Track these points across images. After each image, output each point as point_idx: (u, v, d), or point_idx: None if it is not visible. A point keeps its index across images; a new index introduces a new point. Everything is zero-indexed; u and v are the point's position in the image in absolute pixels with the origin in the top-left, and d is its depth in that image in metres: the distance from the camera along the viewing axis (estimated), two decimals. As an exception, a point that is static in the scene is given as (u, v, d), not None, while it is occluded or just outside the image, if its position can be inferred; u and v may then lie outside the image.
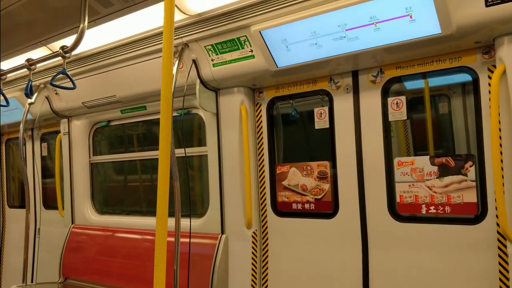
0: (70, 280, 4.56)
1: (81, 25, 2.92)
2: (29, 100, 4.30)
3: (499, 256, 2.54)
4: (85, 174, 4.79)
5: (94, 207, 4.79)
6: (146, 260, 3.96)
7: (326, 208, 3.22)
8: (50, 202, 5.31)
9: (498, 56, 2.44)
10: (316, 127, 3.28)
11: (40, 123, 5.22)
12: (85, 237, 4.61)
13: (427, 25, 2.42)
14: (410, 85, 3.02)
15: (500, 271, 2.54)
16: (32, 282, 5.03)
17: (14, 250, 5.65)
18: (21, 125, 4.43)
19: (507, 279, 2.50)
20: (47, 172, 5.44)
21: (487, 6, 2.23)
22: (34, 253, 5.22)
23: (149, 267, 3.88)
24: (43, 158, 5.46)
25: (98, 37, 3.59)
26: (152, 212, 4.48)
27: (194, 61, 3.33)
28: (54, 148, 5.11)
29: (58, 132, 4.99)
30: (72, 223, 4.79)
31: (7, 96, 4.35)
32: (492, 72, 2.55)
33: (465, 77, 2.77)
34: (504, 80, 2.39)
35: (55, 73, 3.31)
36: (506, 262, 2.50)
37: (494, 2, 2.21)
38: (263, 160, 3.52)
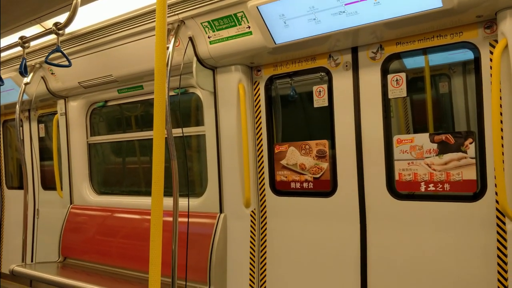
0: (69, 260, 4.59)
1: (74, 1, 2.86)
2: (25, 80, 4.26)
3: (498, 233, 2.54)
4: (83, 155, 4.78)
5: (92, 188, 4.79)
6: (145, 239, 3.96)
7: (325, 187, 3.21)
8: (48, 183, 5.31)
9: (500, 31, 2.39)
10: (315, 105, 3.24)
11: (36, 104, 5.19)
12: (84, 217, 4.62)
13: (428, -1, 2.37)
14: (410, 63, 2.98)
15: (498, 248, 2.53)
16: (32, 261, 5.06)
17: (13, 231, 5.67)
18: (17, 106, 4.39)
19: (505, 255, 2.49)
20: (45, 153, 5.42)
21: (490, -22, 2.18)
22: (34, 234, 5.24)
23: (147, 246, 3.87)
24: (40, 139, 5.44)
25: (93, 14, 3.52)
26: (150, 192, 4.46)
27: (190, 39, 3.27)
28: (51, 129, 5.08)
29: (55, 113, 4.96)
30: (71, 204, 4.79)
31: (3, 76, 4.30)
32: (494, 47, 2.50)
33: (466, 56, 2.73)
34: (505, 55, 2.35)
35: (50, 52, 3.26)
36: (505, 239, 2.50)
37: (497, -26, 2.15)
38: (261, 139, 3.49)
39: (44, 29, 3.60)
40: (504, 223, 2.50)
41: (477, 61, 2.62)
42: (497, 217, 2.55)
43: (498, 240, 2.54)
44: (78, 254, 4.53)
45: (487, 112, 2.56)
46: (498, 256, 2.53)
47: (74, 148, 4.75)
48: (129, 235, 4.17)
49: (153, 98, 4.36)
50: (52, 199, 5.12)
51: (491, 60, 2.49)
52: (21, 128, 5.14)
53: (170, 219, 2.95)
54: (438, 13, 2.42)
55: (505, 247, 2.49)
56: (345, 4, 2.57)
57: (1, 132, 6.04)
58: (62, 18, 3.35)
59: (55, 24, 3.11)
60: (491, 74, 2.42)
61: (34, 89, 4.60)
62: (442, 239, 2.73)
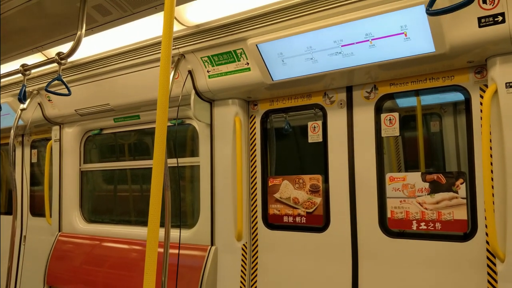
0: None
1: (78, 33, 2.92)
2: (21, 106, 4.28)
3: (488, 274, 2.56)
4: (74, 182, 4.75)
5: (82, 216, 4.74)
6: (133, 270, 3.90)
7: (317, 222, 3.22)
8: (37, 209, 5.24)
9: (490, 76, 2.49)
10: (310, 140, 3.29)
11: (31, 130, 5.19)
12: (71, 246, 4.55)
13: (421, 44, 2.47)
14: (402, 102, 3.06)
15: (488, 289, 2.55)
16: (15, 290, 4.93)
17: None
18: (12, 131, 4.39)
19: (496, 297, 2.51)
20: (35, 179, 5.37)
21: (480, 27, 2.29)
22: (19, 261, 5.13)
23: (135, 278, 3.83)
24: (32, 165, 5.40)
25: (93, 45, 3.59)
26: (140, 222, 4.45)
27: (190, 72, 3.34)
28: (43, 155, 5.06)
29: (48, 139, 4.96)
30: (59, 231, 4.72)
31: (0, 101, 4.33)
32: (484, 91, 2.60)
33: (457, 97, 2.82)
34: (495, 99, 2.44)
35: (49, 80, 3.30)
36: (495, 281, 2.51)
37: (487, 23, 2.26)
38: (255, 172, 3.52)
39: (46, 58, 3.65)
40: (494, 264, 2.53)
41: (467, 103, 2.71)
42: (488, 257, 2.57)
43: (488, 281, 2.55)
44: (64, 283, 4.43)
45: (478, 154, 2.63)
46: (489, 297, 2.55)
47: (66, 175, 4.73)
48: (116, 265, 4.10)
49: (148, 128, 4.38)
50: (40, 225, 5.03)
51: (481, 103, 2.58)
52: (13, 153, 5.12)
53: (161, 250, 2.92)
54: (431, 57, 2.52)
55: (496, 289, 2.51)
56: (342, 46, 2.67)
57: (-7, 156, 6.00)
58: (64, 47, 3.42)
59: (58, 54, 3.16)
60: (481, 117, 2.50)
61: (30, 114, 4.62)
62: (433, 278, 2.74)
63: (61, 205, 4.74)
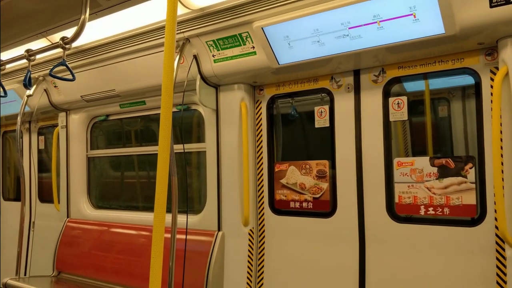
0: (63, 274, 4.54)
1: (82, 17, 2.89)
2: (28, 92, 4.28)
3: (497, 259, 2.54)
4: (82, 168, 4.77)
5: (90, 202, 4.77)
6: (141, 255, 3.94)
7: (324, 207, 3.21)
8: (45, 195, 5.28)
9: (501, 58, 2.43)
10: (316, 125, 3.26)
11: (37, 116, 5.21)
12: (80, 231, 4.59)
13: (430, 25, 2.41)
14: (410, 86, 3.01)
15: (497, 274, 2.53)
16: (25, 275, 5.00)
17: (8, 243, 5.62)
18: (18, 118, 4.40)
19: (505, 282, 2.49)
20: (43, 165, 5.41)
21: (491, 7, 2.23)
22: (28, 247, 5.19)
23: (143, 263, 3.86)
24: (39, 152, 5.43)
25: (98, 30, 3.56)
26: (148, 208, 4.47)
27: (195, 57, 3.31)
28: (51, 141, 5.08)
29: (55, 125, 4.97)
30: (68, 217, 4.76)
31: (6, 88, 4.33)
32: (495, 74, 2.54)
33: (465, 81, 2.77)
34: (506, 82, 2.38)
35: (54, 65, 3.29)
36: (504, 265, 2.49)
37: (499, 3, 2.20)
38: (262, 157, 3.51)
39: (51, 43, 3.63)
40: (503, 249, 2.50)
41: (477, 86, 2.66)
42: (497, 242, 2.55)
43: (497, 266, 2.53)
44: (73, 269, 4.48)
45: (487, 138, 2.58)
46: (497, 282, 2.52)
47: (73, 161, 4.75)
48: (125, 250, 4.13)
49: (154, 114, 4.37)
50: (49, 212, 5.08)
51: (491, 86, 2.53)
52: (21, 139, 5.15)
53: (168, 235, 2.93)
54: (440, 39, 2.46)
55: (505, 274, 2.49)
56: (349, 28, 2.62)
57: (1, 143, 6.03)
58: (68, 32, 3.40)
59: (62, 38, 3.14)
60: (491, 101, 2.45)
61: (36, 101, 4.62)
62: (441, 263, 2.73)
63: (69, 191, 4.77)
